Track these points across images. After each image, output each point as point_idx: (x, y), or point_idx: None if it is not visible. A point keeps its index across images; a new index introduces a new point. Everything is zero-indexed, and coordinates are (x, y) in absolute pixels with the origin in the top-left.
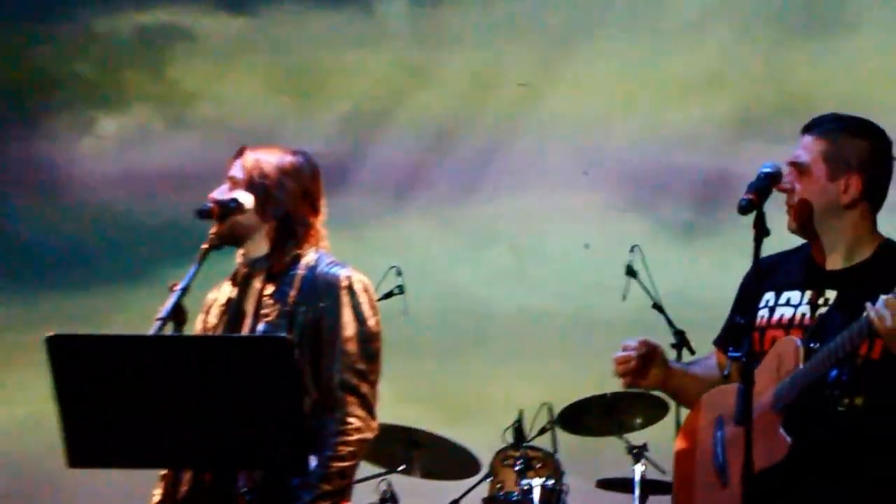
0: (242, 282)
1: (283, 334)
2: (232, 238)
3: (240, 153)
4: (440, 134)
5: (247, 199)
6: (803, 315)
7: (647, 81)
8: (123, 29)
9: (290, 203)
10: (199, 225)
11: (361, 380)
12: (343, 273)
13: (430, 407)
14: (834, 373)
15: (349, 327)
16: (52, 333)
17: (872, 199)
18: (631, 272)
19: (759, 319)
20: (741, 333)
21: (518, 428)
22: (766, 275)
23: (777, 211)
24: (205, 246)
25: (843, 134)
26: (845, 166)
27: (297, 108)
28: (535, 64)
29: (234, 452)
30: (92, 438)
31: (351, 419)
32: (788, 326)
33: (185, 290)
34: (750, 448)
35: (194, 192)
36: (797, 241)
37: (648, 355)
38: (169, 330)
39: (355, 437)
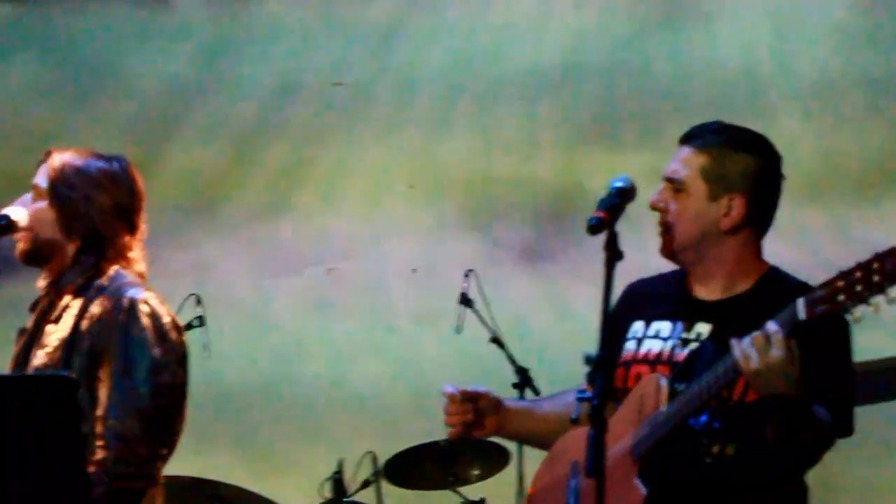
0: (42, 307)
1: (62, 372)
2: (34, 258)
3: (47, 156)
4: (245, 140)
5: (20, 216)
6: (672, 349)
7: (481, 80)
8: None
9: (100, 219)
10: None
11: (136, 419)
12: (128, 294)
13: (237, 457)
14: (703, 418)
15: (125, 359)
16: None
17: (757, 223)
18: (465, 301)
19: (625, 352)
20: (595, 370)
21: (338, 480)
22: (637, 302)
23: (630, 231)
24: None
25: (727, 148)
26: (728, 185)
27: (75, 109)
28: (352, 61)
29: None
30: None
31: (118, 467)
32: (655, 362)
33: None
34: (601, 502)
35: None
36: (655, 266)
37: (478, 404)
38: None
39: (123, 486)
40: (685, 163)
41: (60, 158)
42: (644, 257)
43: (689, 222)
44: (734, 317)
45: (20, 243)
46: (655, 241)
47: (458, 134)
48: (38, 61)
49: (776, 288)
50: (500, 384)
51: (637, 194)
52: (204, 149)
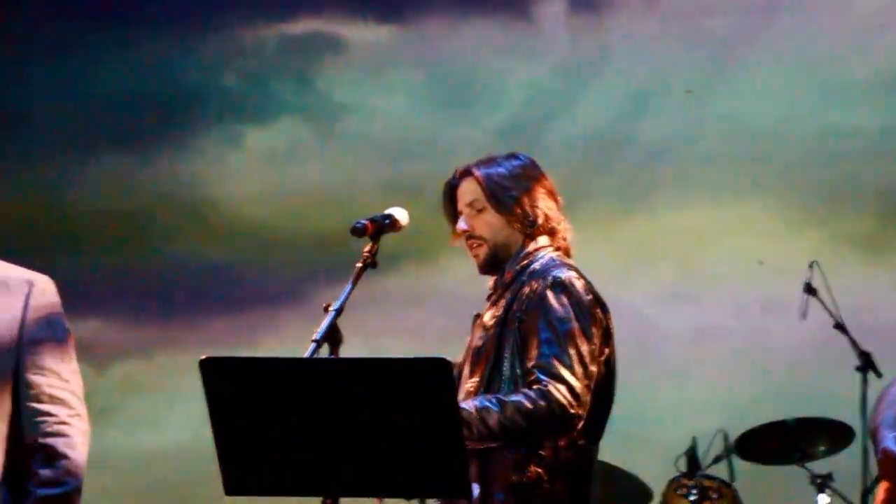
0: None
1: (440, 355)
2: (493, 263)
3: (463, 176)
4: (601, 144)
5: (402, 216)
6: None
7: (823, 85)
8: (269, 39)
9: (539, 211)
10: (353, 242)
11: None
12: (553, 274)
13: None
14: None
15: (549, 332)
16: (205, 356)
17: None
18: (810, 290)
19: None
20: None
21: (692, 456)
22: None
23: None
24: (359, 264)
25: None
26: None
27: (451, 120)
28: (701, 70)
29: (392, 480)
30: (248, 464)
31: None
32: None
33: (339, 311)
34: None
35: (346, 208)
36: None
37: None
38: (324, 352)
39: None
40: None
41: (480, 172)
42: None
43: None
44: None
45: (479, 251)
46: None
47: (801, 135)
48: (416, 76)
49: None
50: (843, 368)
51: None
52: (565, 152)
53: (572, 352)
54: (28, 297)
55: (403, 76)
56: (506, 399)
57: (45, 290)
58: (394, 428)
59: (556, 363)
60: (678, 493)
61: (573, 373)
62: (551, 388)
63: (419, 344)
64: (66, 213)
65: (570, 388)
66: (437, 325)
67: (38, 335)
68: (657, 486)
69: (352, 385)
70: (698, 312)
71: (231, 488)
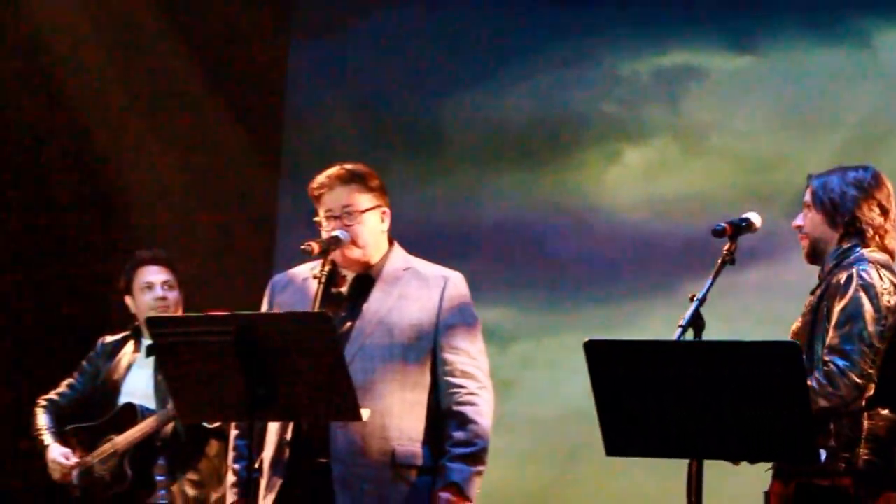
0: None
1: (792, 340)
2: (814, 254)
3: (809, 180)
4: None
5: (757, 219)
6: None
7: None
8: (644, 70)
9: (858, 213)
10: (714, 242)
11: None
12: (854, 267)
13: None
14: None
15: (844, 315)
16: (588, 339)
17: None
18: None
19: None
20: None
21: None
22: None
23: None
24: (720, 261)
25: None
26: None
27: (799, 138)
28: None
29: (749, 447)
30: (626, 430)
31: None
32: None
33: (702, 301)
34: None
35: (708, 213)
36: None
37: None
38: (689, 336)
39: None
40: None
41: (816, 177)
42: None
43: None
44: None
45: (804, 243)
46: None
47: None
48: (768, 100)
49: None
50: None
51: None
52: None
53: (858, 333)
54: (444, 290)
55: (758, 99)
56: None
57: (457, 285)
58: (751, 401)
59: (843, 343)
60: None
61: (858, 351)
62: (834, 367)
63: (773, 329)
64: (476, 219)
65: (852, 364)
66: (789, 314)
67: (452, 321)
68: None
69: (714, 364)
70: None
71: (611, 450)
